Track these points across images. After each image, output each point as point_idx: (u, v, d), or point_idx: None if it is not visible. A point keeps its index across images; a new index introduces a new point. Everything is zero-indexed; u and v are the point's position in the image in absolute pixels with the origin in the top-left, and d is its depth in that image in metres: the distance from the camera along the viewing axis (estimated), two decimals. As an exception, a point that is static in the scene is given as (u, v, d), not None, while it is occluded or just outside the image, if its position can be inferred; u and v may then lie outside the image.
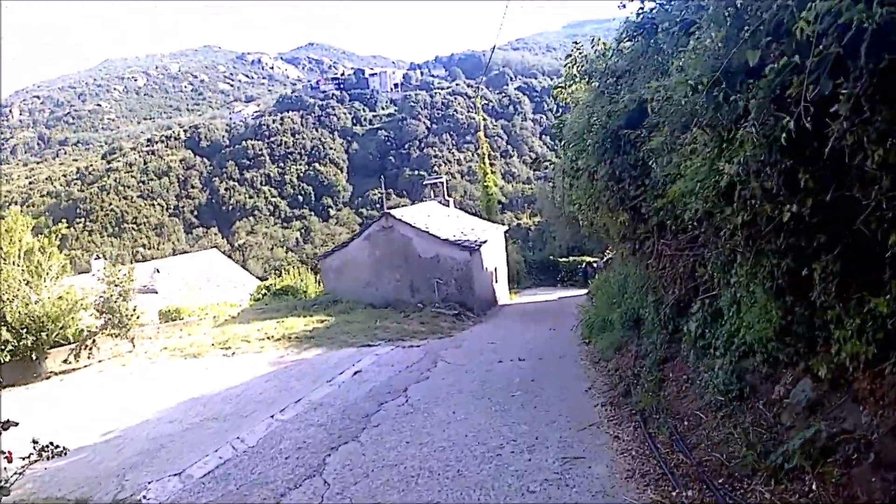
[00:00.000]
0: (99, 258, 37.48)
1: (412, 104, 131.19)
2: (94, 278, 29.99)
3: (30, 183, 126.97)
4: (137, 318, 18.03)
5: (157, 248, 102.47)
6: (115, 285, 17.78)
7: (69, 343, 16.82)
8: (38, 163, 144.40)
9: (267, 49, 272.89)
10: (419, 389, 9.36)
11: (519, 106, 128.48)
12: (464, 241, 20.54)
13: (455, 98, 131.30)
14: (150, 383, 12.82)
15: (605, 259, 35.89)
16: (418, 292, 20.25)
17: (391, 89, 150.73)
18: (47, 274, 17.36)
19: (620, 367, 8.89)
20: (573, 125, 9.83)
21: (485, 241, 21.65)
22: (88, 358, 17.15)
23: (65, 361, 16.61)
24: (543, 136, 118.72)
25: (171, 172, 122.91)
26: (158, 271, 34.12)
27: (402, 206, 22.92)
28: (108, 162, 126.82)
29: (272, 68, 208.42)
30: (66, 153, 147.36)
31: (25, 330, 15.45)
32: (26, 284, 16.62)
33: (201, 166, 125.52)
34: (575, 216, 27.82)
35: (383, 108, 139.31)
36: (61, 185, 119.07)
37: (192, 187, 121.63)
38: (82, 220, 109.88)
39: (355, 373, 11.07)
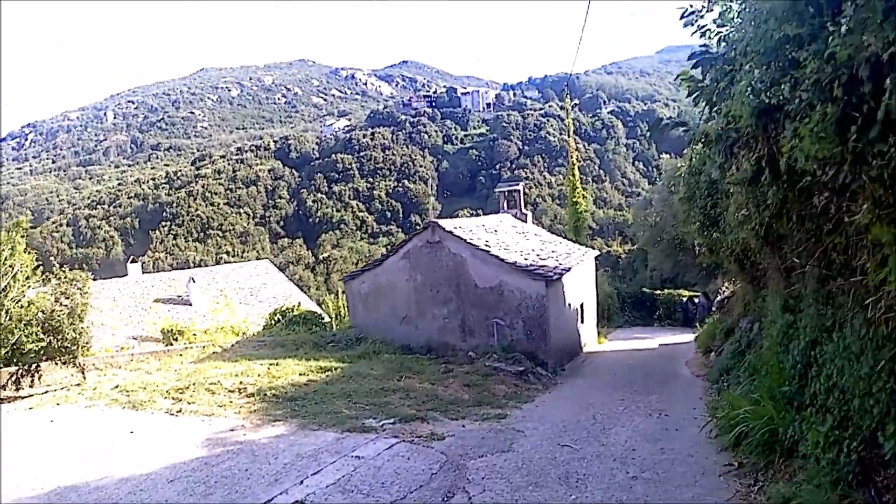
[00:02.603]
0: (135, 262, 34.26)
1: (504, 124, 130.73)
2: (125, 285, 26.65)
3: (119, 184, 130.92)
4: (87, 343, 13.69)
5: (241, 256, 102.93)
6: (66, 298, 13.48)
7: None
8: (129, 166, 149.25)
9: (361, 65, 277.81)
10: None
11: (612, 130, 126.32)
12: (538, 266, 14.85)
13: (547, 120, 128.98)
14: (58, 443, 9.11)
15: (717, 297, 28.98)
16: (472, 335, 14.65)
17: (483, 109, 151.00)
18: (5, 277, 13.61)
19: None
20: None
21: (568, 269, 15.75)
22: (31, 387, 13.47)
23: (3, 387, 13.18)
24: (637, 163, 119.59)
25: (259, 182, 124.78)
26: (194, 281, 30.17)
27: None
28: (197, 168, 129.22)
29: (365, 84, 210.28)
30: (157, 158, 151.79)
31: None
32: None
33: (290, 177, 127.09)
34: (680, 240, 21.69)
35: (475, 128, 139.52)
36: (149, 189, 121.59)
37: (280, 197, 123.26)
38: (168, 223, 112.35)
39: (292, 511, 5.75)
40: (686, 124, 6.56)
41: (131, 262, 33.29)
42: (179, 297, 30.51)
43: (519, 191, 21.95)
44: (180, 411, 10.31)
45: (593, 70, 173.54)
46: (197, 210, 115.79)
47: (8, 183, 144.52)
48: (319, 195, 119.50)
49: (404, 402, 10.22)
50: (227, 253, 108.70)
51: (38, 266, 14.44)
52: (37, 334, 13.04)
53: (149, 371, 14.59)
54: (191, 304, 29.75)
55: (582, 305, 18.09)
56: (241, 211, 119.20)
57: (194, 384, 11.71)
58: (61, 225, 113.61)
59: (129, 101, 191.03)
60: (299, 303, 21.57)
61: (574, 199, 30.70)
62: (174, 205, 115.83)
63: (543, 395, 11.72)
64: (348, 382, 11.52)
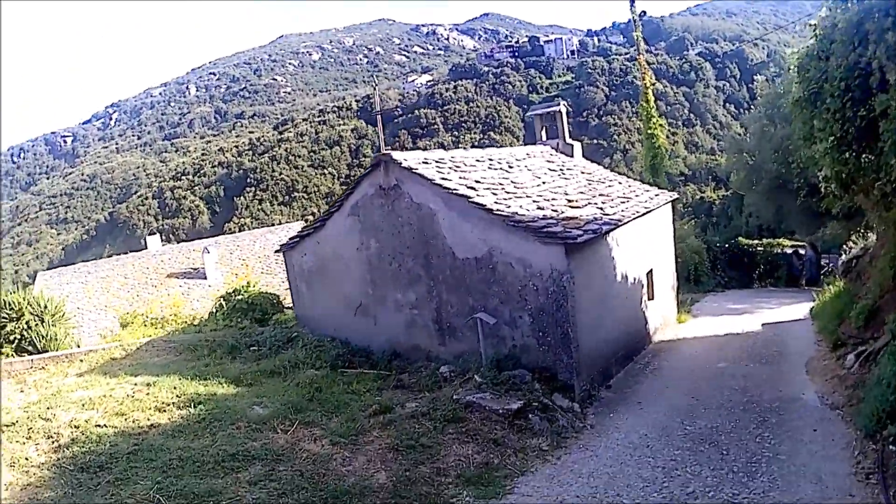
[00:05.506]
0: (154, 234, 30.96)
1: (589, 71, 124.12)
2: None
3: (202, 154, 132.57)
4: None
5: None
6: None
7: None
8: (214, 136, 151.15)
9: (442, 20, 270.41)
10: None
11: (701, 72, 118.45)
12: (558, 221, 8.89)
13: (633, 64, 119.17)
14: None
15: (844, 258, 21.10)
16: (453, 337, 9.21)
17: (567, 56, 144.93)
18: None
19: None
20: None
21: (615, 223, 9.77)
22: None
23: None
24: (727, 104, 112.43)
25: (343, 142, 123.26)
26: (208, 251, 26.31)
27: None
28: (280, 133, 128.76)
29: (447, 39, 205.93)
30: (242, 126, 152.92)
31: None
32: None
33: (373, 135, 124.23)
34: (787, 178, 15.69)
35: (559, 76, 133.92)
36: (232, 156, 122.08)
37: (364, 156, 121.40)
38: (252, 188, 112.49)
39: None
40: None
41: (150, 234, 29.95)
42: (195, 269, 26.93)
43: (560, 112, 15.37)
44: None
45: (678, 13, 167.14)
46: (281, 174, 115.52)
47: (95, 162, 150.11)
48: (404, 151, 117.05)
49: (248, 496, 5.21)
50: (313, 214, 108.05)
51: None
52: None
53: (23, 388, 10.55)
54: (205, 278, 26.06)
55: (650, 274, 12.22)
56: (326, 171, 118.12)
57: (27, 418, 7.84)
58: (147, 198, 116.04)
59: (210, 74, 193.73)
60: (248, 283, 16.82)
61: (650, 131, 23.77)
62: (258, 170, 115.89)
63: (542, 469, 6.21)
64: (200, 434, 6.64)
